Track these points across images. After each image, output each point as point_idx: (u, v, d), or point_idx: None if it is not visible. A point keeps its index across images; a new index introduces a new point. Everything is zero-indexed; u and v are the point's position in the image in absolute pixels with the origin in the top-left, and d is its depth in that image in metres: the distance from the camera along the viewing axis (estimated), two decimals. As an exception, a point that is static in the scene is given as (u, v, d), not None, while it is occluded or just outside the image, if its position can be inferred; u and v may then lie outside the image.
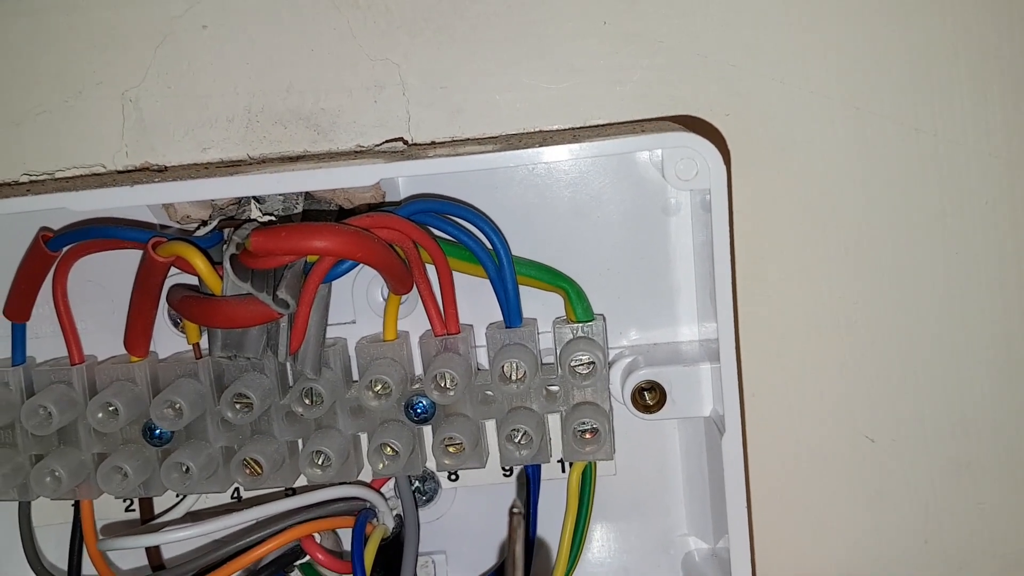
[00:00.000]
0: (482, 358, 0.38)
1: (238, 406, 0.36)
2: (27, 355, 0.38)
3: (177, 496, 0.40)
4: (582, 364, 0.35)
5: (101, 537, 0.37)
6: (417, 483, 0.41)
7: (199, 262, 0.34)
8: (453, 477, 0.41)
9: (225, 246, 0.33)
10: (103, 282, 0.39)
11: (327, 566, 0.36)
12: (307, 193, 0.37)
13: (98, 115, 0.39)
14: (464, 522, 0.41)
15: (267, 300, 0.33)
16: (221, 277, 0.34)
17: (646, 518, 0.41)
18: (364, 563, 0.36)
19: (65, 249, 0.36)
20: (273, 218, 0.36)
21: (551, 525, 0.38)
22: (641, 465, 0.40)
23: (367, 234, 0.33)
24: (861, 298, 0.41)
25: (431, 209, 0.36)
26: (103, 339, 0.39)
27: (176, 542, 0.36)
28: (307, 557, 0.37)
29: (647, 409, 0.36)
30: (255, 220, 0.35)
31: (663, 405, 0.36)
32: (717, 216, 0.33)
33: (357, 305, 0.39)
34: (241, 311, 0.33)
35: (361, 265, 0.37)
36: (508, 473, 0.40)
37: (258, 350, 0.34)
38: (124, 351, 0.38)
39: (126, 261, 0.38)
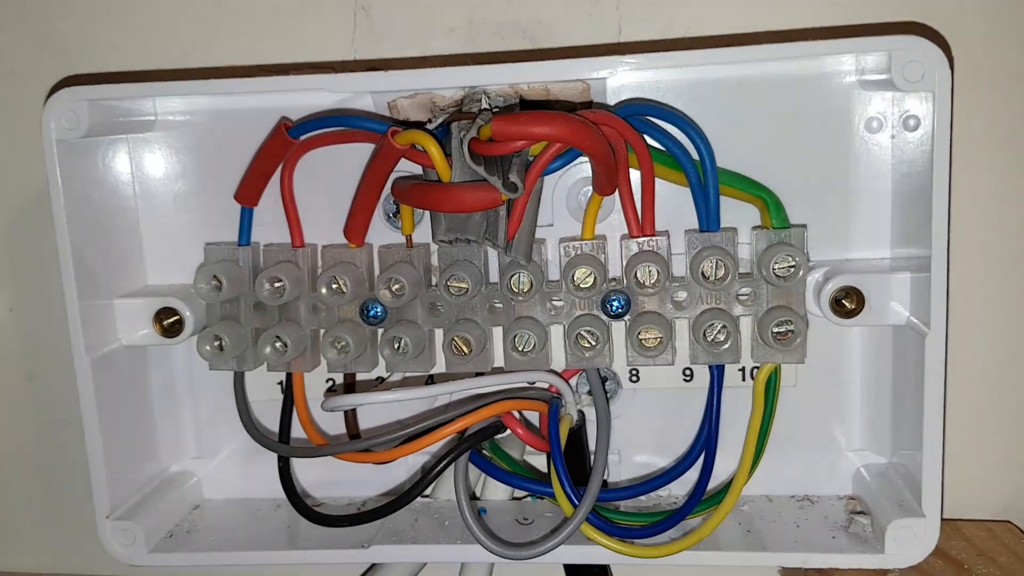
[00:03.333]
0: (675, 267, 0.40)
1: (453, 289, 0.39)
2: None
3: (376, 380, 0.43)
4: (783, 268, 0.37)
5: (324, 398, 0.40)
6: (598, 383, 0.43)
7: (434, 149, 0.36)
8: (634, 378, 0.43)
9: (463, 133, 0.36)
10: (324, 177, 0.42)
11: (526, 440, 0.39)
12: (520, 99, 0.40)
13: (331, 21, 0.42)
14: (640, 425, 0.43)
15: (498, 184, 0.35)
16: (450, 167, 0.37)
17: (820, 430, 0.42)
18: (560, 441, 0.39)
19: (302, 138, 0.40)
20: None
21: (728, 432, 0.40)
22: (820, 378, 0.41)
23: (595, 127, 0.35)
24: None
25: (644, 112, 0.38)
26: (318, 230, 0.42)
27: (398, 401, 0.39)
28: (506, 432, 0.39)
29: (846, 314, 0.38)
30: (487, 109, 0.38)
31: (860, 312, 0.38)
32: (939, 122, 0.34)
33: (556, 210, 0.42)
34: (470, 195, 0.36)
35: (565, 169, 0.40)
36: (688, 378, 0.42)
37: (480, 233, 0.37)
38: (336, 243, 0.41)
39: (347, 158, 0.41)
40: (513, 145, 0.35)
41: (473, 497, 0.43)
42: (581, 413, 0.42)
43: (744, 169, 0.39)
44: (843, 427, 0.42)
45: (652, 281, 0.38)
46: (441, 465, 0.38)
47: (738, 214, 0.39)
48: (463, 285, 0.38)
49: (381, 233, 0.42)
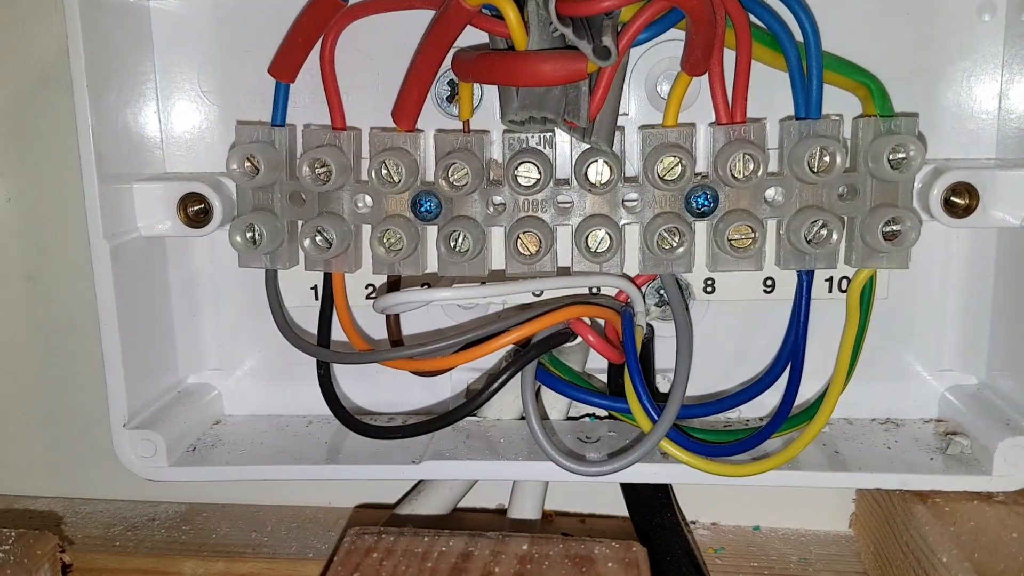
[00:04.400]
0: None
1: (522, 180, 0.34)
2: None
3: (423, 285, 0.39)
4: (897, 158, 0.33)
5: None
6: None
7: (511, 10, 0.32)
8: (709, 289, 0.39)
9: (549, -13, 0.31)
10: (371, 52, 0.37)
11: (599, 349, 0.35)
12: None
13: None
14: (714, 339, 0.39)
15: (587, 49, 0.31)
16: (527, 33, 0.32)
17: (906, 348, 0.39)
18: (636, 349, 0.35)
19: (350, 3, 0.35)
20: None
21: (808, 348, 0.36)
22: (910, 290, 0.38)
23: (702, -14, 0.31)
24: None
25: (746, -19, 0.34)
26: (359, 115, 0.37)
27: (459, 301, 0.35)
28: (576, 340, 0.35)
29: (959, 214, 0.34)
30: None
31: (974, 211, 0.34)
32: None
33: (631, 97, 0.37)
34: (552, 65, 0.31)
35: (652, 44, 0.36)
36: (770, 289, 0.39)
37: (559, 111, 0.33)
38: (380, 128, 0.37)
39: (395, 30, 0.36)
40: (606, 3, 0.30)
41: (521, 419, 0.40)
42: (650, 326, 0.38)
43: (851, 53, 0.35)
44: (932, 345, 0.39)
45: (747, 172, 0.34)
46: (509, 372, 0.34)
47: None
48: (534, 175, 0.34)
49: (429, 122, 0.37)
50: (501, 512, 0.44)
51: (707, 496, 0.44)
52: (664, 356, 0.39)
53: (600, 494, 0.43)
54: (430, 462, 0.36)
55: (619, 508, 0.40)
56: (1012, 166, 0.35)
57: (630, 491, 0.39)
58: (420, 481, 0.41)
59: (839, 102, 0.36)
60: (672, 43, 0.36)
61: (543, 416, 0.39)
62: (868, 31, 0.36)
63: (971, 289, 0.38)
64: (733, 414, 0.40)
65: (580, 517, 0.44)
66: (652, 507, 0.39)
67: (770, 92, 0.35)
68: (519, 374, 0.35)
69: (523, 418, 0.39)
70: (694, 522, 0.44)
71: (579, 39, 0.31)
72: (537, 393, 0.39)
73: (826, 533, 0.43)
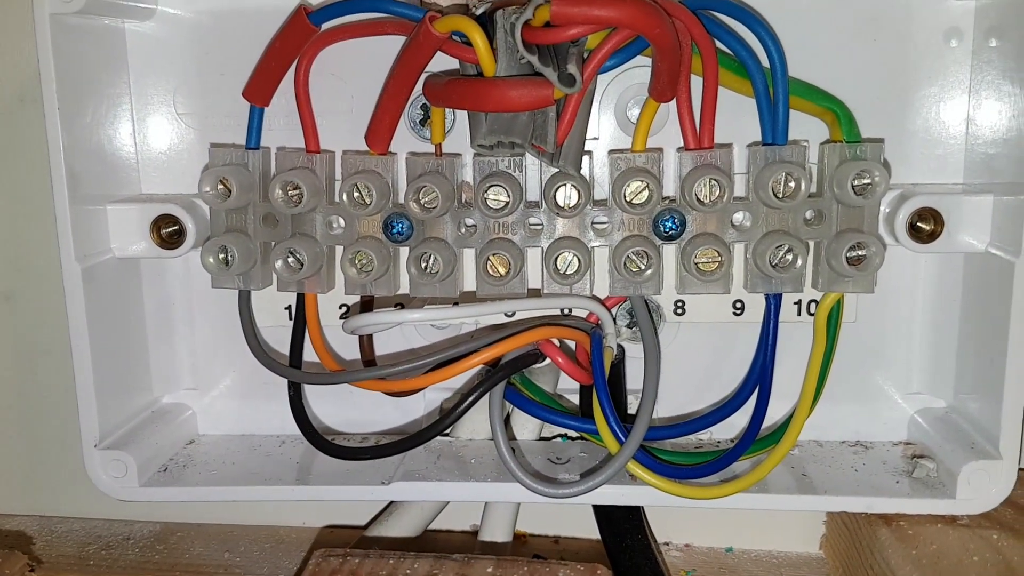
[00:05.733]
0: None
1: (492, 203, 0.35)
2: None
3: (395, 305, 0.39)
4: (861, 184, 0.33)
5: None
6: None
7: (479, 37, 0.32)
8: (679, 311, 0.39)
9: (515, 18, 0.31)
10: (345, 77, 0.38)
11: (567, 371, 0.35)
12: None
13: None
14: (683, 361, 0.40)
15: (552, 76, 0.31)
16: (495, 59, 0.33)
17: (875, 371, 0.39)
18: (605, 372, 0.35)
19: (324, 27, 0.36)
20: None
21: (777, 371, 0.37)
22: (878, 314, 0.38)
23: (666, 15, 0.31)
24: None
25: (710, 7, 0.34)
26: (333, 139, 0.38)
27: (428, 322, 0.36)
28: (544, 362, 0.36)
29: (924, 239, 0.34)
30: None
31: (938, 236, 0.34)
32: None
33: (602, 122, 0.38)
34: (519, 91, 0.32)
35: (620, 70, 0.36)
36: (739, 312, 0.39)
37: (527, 136, 0.33)
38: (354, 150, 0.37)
39: (368, 55, 0.37)
40: (571, 31, 0.31)
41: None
42: (621, 347, 0.39)
43: (819, 79, 0.35)
44: (901, 367, 0.39)
45: (713, 197, 0.34)
46: (476, 394, 0.35)
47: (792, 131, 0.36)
48: (503, 198, 0.35)
49: (403, 145, 0.38)
50: (474, 533, 0.44)
51: (680, 517, 0.44)
52: (636, 377, 0.39)
53: (573, 515, 0.43)
54: (400, 483, 0.36)
55: (593, 529, 0.40)
56: (977, 191, 0.35)
57: (601, 512, 0.39)
58: (391, 502, 0.41)
59: (808, 127, 0.36)
60: (642, 68, 0.36)
61: (512, 436, 0.39)
62: (836, 57, 0.36)
63: (940, 312, 0.38)
64: (705, 435, 0.40)
65: (554, 538, 0.45)
66: (623, 528, 0.39)
67: (739, 118, 0.36)
68: (488, 395, 0.35)
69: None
70: (667, 543, 0.44)
71: (545, 66, 0.31)
72: (509, 413, 0.40)
73: (798, 555, 0.43)
